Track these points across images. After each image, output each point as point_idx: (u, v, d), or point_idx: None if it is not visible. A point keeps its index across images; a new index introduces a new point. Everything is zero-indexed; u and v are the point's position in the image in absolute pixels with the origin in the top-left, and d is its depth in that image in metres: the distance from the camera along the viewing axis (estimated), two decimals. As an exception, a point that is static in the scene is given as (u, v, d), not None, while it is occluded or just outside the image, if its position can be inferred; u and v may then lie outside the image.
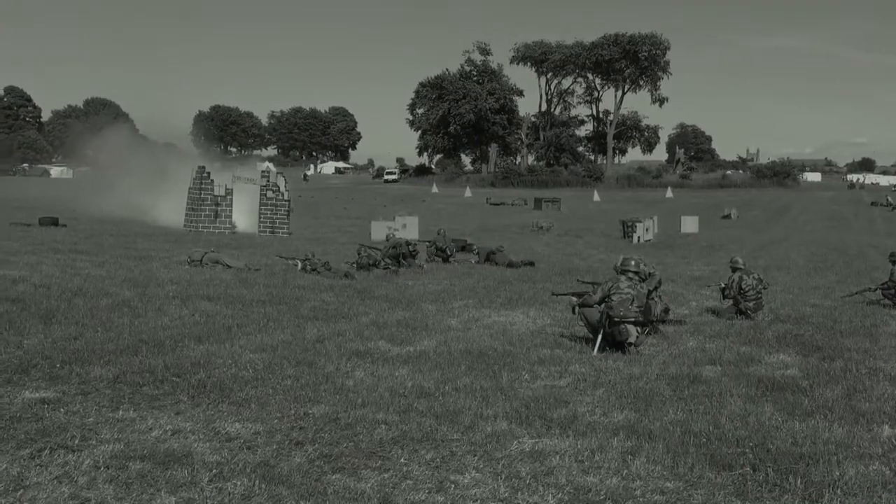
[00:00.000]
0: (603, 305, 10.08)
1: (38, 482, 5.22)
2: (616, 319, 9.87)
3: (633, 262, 10.51)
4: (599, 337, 9.94)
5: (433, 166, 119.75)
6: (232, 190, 29.60)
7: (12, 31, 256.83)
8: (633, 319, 9.94)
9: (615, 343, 9.93)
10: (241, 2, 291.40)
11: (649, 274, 11.77)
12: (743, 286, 12.72)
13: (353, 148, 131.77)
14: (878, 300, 14.70)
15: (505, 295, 14.69)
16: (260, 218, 29.46)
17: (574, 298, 10.70)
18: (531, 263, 20.42)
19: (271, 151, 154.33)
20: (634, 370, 8.96)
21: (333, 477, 5.52)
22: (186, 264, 17.27)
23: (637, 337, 9.92)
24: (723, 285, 13.19)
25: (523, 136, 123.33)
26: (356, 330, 10.80)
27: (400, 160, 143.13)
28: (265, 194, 29.55)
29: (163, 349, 9.12)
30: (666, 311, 11.42)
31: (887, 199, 63.99)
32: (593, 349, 9.88)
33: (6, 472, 5.36)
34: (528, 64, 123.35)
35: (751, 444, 6.39)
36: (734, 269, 13.19)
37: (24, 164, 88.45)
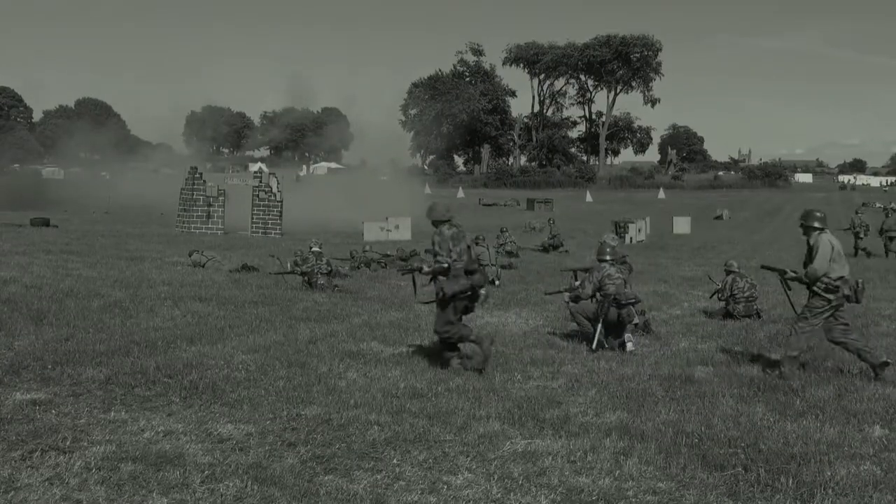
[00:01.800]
0: (598, 295, 10.15)
1: (29, 484, 5.19)
2: (623, 302, 10.05)
3: (608, 250, 10.64)
4: (599, 330, 9.96)
5: (426, 167, 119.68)
6: (224, 190, 29.54)
7: (3, 30, 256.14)
8: (633, 300, 10.21)
9: (615, 330, 10.06)
10: (231, 2, 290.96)
11: (623, 257, 11.90)
12: (734, 290, 12.79)
13: (346, 149, 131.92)
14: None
15: (498, 295, 14.69)
16: (252, 218, 29.41)
17: (567, 294, 10.78)
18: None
19: (264, 152, 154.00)
20: (627, 371, 8.97)
21: (326, 478, 5.51)
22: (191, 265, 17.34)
23: (637, 317, 10.30)
24: (718, 286, 13.26)
25: (516, 137, 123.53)
26: (349, 331, 10.78)
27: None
28: (257, 195, 29.50)
29: (155, 350, 9.10)
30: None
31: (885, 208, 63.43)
32: (592, 345, 9.89)
33: (-3, 473, 5.33)
34: (521, 65, 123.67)
35: (743, 444, 6.41)
36: (728, 272, 13.27)
37: (15, 165, 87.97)
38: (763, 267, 10.58)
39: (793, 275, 9.04)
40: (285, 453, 5.97)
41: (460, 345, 8.92)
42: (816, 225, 8.83)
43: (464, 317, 8.91)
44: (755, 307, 12.88)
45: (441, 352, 9.01)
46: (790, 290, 9.56)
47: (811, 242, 8.80)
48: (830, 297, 8.64)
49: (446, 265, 8.54)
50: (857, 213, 28.00)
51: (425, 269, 8.89)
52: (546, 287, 15.04)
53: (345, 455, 5.97)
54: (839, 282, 8.63)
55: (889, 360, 8.72)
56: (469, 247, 8.82)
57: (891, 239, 26.59)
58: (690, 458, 6.05)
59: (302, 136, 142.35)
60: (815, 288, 8.68)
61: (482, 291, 8.91)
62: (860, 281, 8.91)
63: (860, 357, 8.88)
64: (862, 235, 27.05)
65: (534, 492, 5.38)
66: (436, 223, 8.81)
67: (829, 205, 67.17)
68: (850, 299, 8.79)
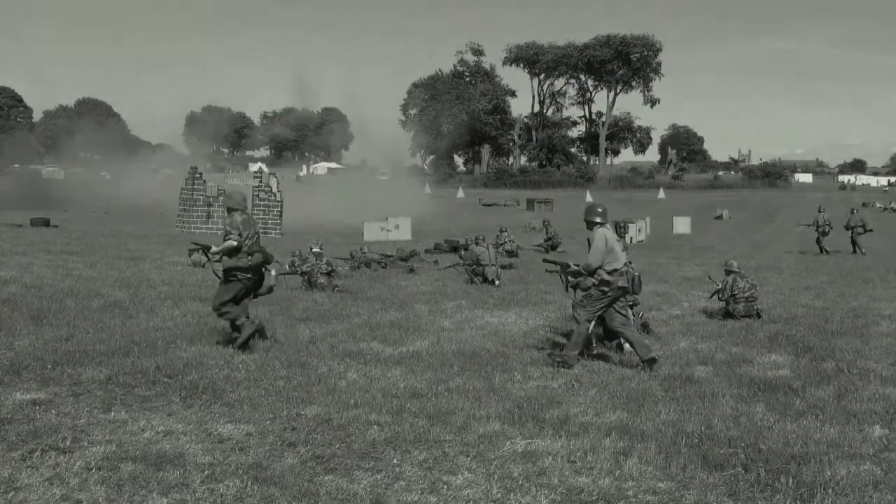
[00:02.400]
0: None
1: (29, 484, 5.20)
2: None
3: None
4: (591, 326, 9.92)
5: (426, 167, 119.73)
6: (224, 190, 29.56)
7: (2, 30, 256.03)
8: (634, 301, 10.37)
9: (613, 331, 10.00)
10: (232, 2, 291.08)
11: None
12: (734, 290, 12.77)
13: (346, 149, 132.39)
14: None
15: (498, 295, 14.69)
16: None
17: (569, 278, 10.67)
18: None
19: (264, 152, 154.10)
20: (627, 371, 8.97)
21: (326, 478, 5.51)
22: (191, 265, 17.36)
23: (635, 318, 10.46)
24: (718, 286, 13.24)
25: (516, 137, 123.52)
26: (348, 331, 10.79)
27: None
28: (257, 195, 29.51)
29: (155, 350, 9.10)
30: None
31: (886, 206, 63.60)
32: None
33: (-3, 473, 5.33)
34: (521, 65, 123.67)
35: (743, 444, 6.41)
36: (728, 272, 13.25)
37: (15, 165, 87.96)
38: (545, 261, 11.17)
39: (575, 268, 9.52)
40: (285, 453, 5.97)
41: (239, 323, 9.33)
42: (598, 220, 9.31)
43: (245, 300, 9.41)
44: (755, 307, 12.87)
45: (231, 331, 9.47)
46: (569, 284, 9.95)
47: (590, 237, 9.29)
48: (605, 288, 9.04)
49: (235, 243, 9.15)
50: (819, 211, 28.19)
51: (214, 248, 9.51)
52: (546, 284, 15.05)
53: (345, 455, 5.97)
54: (614, 274, 9.03)
55: (657, 357, 9.13)
56: (257, 233, 9.46)
57: (858, 235, 26.92)
58: (690, 458, 6.05)
59: (302, 136, 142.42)
60: (594, 279, 9.14)
61: (269, 279, 9.54)
62: (638, 275, 9.48)
63: (633, 349, 9.24)
64: (822, 234, 27.21)
65: (534, 492, 5.38)
66: (230, 210, 9.55)
67: (830, 204, 67.24)
68: (626, 291, 9.28)
